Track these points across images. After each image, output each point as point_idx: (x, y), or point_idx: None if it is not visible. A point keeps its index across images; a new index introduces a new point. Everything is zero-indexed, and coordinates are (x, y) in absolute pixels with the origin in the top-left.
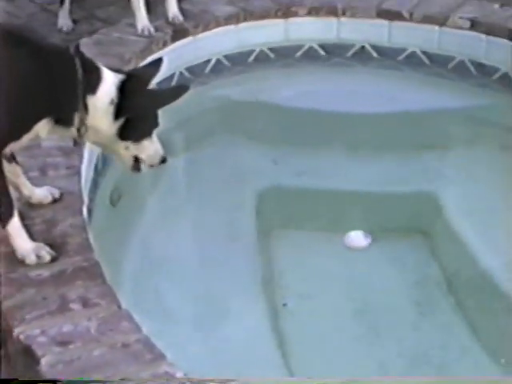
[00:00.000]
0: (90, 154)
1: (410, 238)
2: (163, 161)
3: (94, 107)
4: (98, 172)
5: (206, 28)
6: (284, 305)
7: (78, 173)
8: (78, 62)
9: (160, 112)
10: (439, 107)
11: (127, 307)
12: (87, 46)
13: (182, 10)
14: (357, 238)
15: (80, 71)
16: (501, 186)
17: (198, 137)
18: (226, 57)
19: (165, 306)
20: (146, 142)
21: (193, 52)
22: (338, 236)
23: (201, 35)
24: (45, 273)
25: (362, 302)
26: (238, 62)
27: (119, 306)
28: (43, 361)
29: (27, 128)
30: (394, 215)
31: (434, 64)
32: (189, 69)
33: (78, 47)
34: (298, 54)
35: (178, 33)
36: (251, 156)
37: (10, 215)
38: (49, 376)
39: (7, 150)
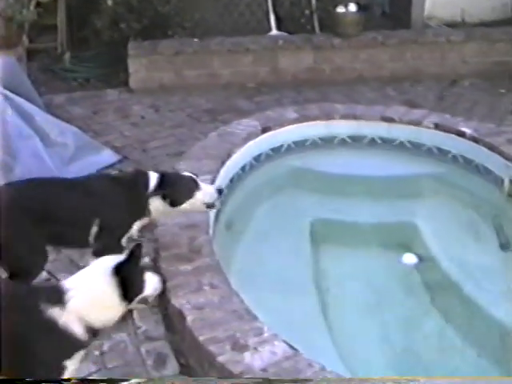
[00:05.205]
0: None
1: (399, 251)
2: (220, 192)
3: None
4: (218, 210)
5: (282, 126)
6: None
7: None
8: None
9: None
10: (416, 173)
11: (235, 288)
12: (213, 138)
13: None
14: (410, 257)
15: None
16: (455, 220)
17: (276, 189)
18: (293, 142)
19: (256, 288)
20: (197, 195)
21: (273, 140)
22: (358, 248)
23: (278, 130)
24: (189, 267)
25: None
26: (299, 145)
27: (231, 288)
28: (188, 319)
29: (132, 225)
30: (391, 236)
31: (413, 148)
32: (272, 149)
33: (138, 171)
34: (335, 141)
35: (265, 129)
36: (306, 201)
37: None
38: (191, 326)
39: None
